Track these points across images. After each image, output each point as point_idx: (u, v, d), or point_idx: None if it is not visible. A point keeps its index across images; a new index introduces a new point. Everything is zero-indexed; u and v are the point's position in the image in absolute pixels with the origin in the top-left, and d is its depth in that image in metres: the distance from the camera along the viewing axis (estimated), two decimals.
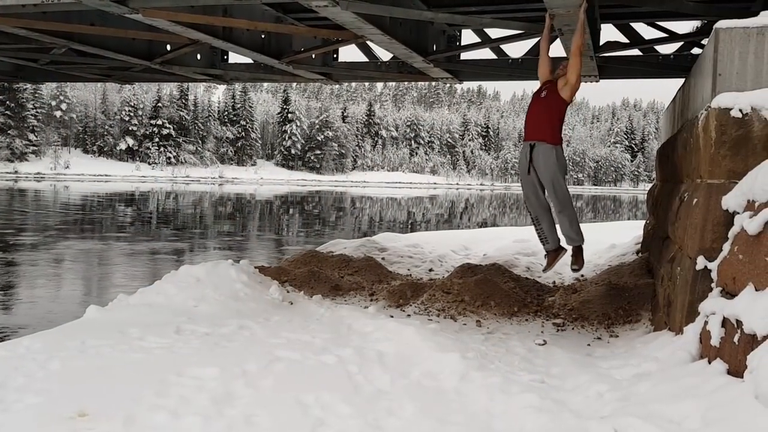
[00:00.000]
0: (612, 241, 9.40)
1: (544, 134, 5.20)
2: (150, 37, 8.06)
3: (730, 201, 3.33)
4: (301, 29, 7.41)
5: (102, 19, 7.89)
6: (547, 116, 5.23)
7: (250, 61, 9.47)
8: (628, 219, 31.05)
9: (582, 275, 7.61)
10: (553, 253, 5.54)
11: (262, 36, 8.32)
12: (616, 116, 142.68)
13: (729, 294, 3.09)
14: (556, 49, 6.45)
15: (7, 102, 70.78)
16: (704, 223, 3.54)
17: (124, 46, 8.98)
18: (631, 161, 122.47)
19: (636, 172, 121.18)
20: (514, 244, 9.99)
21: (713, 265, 3.34)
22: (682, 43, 8.04)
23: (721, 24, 3.71)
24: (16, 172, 66.77)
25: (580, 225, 5.46)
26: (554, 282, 7.48)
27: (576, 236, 5.41)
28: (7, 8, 6.11)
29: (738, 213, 3.24)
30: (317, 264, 8.09)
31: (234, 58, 9.90)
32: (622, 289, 5.88)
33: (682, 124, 5.19)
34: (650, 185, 9.25)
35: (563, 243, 5.55)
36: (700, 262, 3.47)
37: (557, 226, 5.54)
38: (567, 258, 5.57)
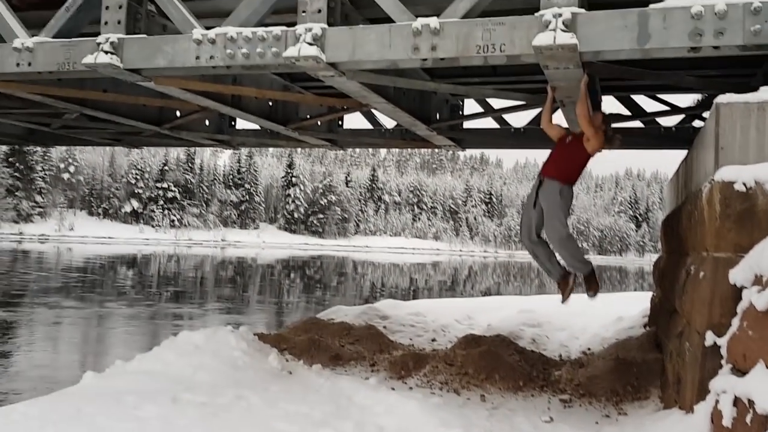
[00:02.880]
0: (619, 313, 9.27)
1: (555, 172, 5.34)
2: (161, 103, 8.23)
3: (738, 275, 3.28)
4: (308, 97, 7.56)
5: (115, 85, 8.06)
6: (565, 159, 5.39)
7: (257, 127, 9.63)
8: (635, 290, 30.76)
9: (589, 348, 7.47)
10: (562, 282, 5.55)
11: (270, 103, 8.50)
12: (620, 185, 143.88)
13: (740, 371, 3.01)
14: (558, 119, 6.55)
15: (17, 164, 71.80)
16: (712, 297, 3.49)
17: (135, 112, 9.16)
18: (636, 231, 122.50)
19: (641, 242, 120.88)
20: (518, 314, 9.86)
21: (722, 341, 3.27)
22: (683, 116, 8.17)
23: (722, 99, 3.76)
24: (20, 233, 67.02)
25: (581, 251, 5.48)
26: (560, 355, 7.33)
27: (581, 265, 5.45)
28: (24, 75, 6.28)
29: (746, 287, 3.19)
30: (317, 331, 7.97)
31: (241, 123, 10.08)
32: (631, 364, 5.75)
33: (686, 196, 5.19)
34: (656, 256, 9.20)
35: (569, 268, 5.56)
36: (709, 337, 3.40)
37: (558, 258, 5.55)
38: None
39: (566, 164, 5.41)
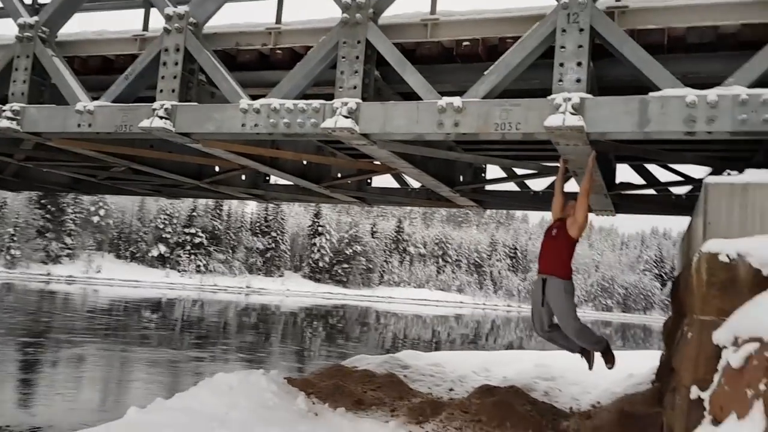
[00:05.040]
0: (632, 369, 9.55)
1: (555, 269, 5.80)
2: (203, 161, 8.88)
3: (720, 336, 3.69)
4: (341, 161, 8.16)
5: (161, 143, 8.75)
6: (557, 252, 5.86)
7: (290, 182, 10.25)
8: (658, 348, 30.44)
9: (598, 402, 7.78)
10: (585, 355, 6.11)
11: (304, 163, 9.12)
12: (645, 244, 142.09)
13: (717, 422, 3.39)
14: (572, 185, 7.04)
15: (48, 206, 73.63)
16: (697, 355, 3.89)
17: (177, 167, 9.82)
18: (661, 290, 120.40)
19: (666, 301, 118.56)
20: (534, 368, 10.16)
21: (705, 395, 3.65)
22: (693, 186, 8.59)
23: (710, 179, 4.24)
24: (48, 274, 68.28)
25: (595, 333, 5.99)
26: (571, 407, 7.65)
27: (597, 345, 5.97)
28: (83, 134, 6.96)
29: (726, 347, 3.60)
30: (342, 378, 8.39)
31: (275, 178, 10.72)
32: (634, 417, 6.08)
33: (686, 262, 5.61)
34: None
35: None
36: (694, 391, 3.79)
37: None
38: None
39: (559, 257, 5.88)
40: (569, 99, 4.84)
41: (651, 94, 4.76)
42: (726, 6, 4.98)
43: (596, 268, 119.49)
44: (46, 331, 19.36)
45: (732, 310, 3.75)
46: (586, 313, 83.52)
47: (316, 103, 5.76)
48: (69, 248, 75.93)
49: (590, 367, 6.14)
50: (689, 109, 4.60)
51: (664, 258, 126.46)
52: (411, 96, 5.64)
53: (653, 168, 8.67)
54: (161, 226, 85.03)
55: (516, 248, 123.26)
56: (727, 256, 3.91)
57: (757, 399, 3.01)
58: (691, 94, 4.61)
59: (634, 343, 40.79)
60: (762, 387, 3.05)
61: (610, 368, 6.06)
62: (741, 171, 4.55)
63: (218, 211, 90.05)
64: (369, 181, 9.96)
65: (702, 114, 4.57)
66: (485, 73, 5.29)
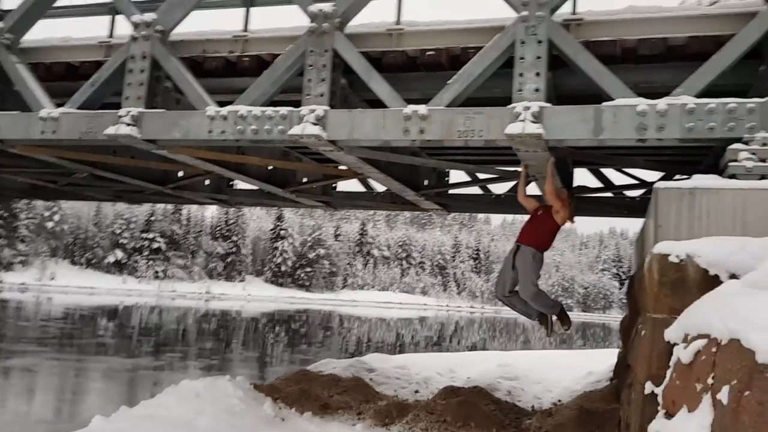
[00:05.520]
0: (591, 367, 9.86)
1: (530, 239, 6.15)
2: (166, 167, 8.86)
3: (671, 334, 3.91)
4: (307, 166, 8.24)
5: (124, 149, 8.69)
6: (537, 226, 6.23)
7: (254, 186, 10.26)
8: (616, 347, 31.18)
9: (559, 400, 8.02)
10: (542, 320, 6.35)
11: (269, 168, 9.16)
12: (604, 244, 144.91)
13: (670, 415, 3.60)
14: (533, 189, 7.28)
15: (0, 211, 71.29)
16: (651, 352, 4.11)
17: (140, 173, 9.75)
18: (619, 289, 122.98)
19: (624, 300, 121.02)
20: (497, 368, 10.38)
21: (659, 390, 3.86)
22: (646, 189, 8.93)
23: (660, 184, 4.47)
24: (0, 281, 66.14)
25: (550, 297, 6.31)
26: (533, 406, 7.87)
27: (552, 309, 6.28)
28: (47, 141, 6.91)
29: (677, 344, 3.81)
30: (308, 383, 8.46)
31: (240, 183, 10.71)
32: (593, 413, 6.32)
33: (640, 262, 5.87)
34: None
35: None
36: (648, 387, 4.00)
37: None
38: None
39: (539, 234, 6.27)
40: (528, 108, 5.05)
41: (605, 103, 4.99)
42: (674, 19, 5.25)
43: (557, 269, 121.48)
44: None
45: (682, 309, 3.96)
46: None
47: (283, 110, 5.85)
48: (22, 255, 73.61)
49: (548, 333, 6.41)
50: (640, 118, 4.85)
51: (621, 257, 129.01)
52: (377, 103, 5.78)
53: (609, 172, 8.99)
54: (118, 231, 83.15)
55: (479, 250, 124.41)
56: (677, 256, 4.14)
57: (706, 392, 3.21)
58: (642, 103, 4.86)
59: (594, 342, 41.61)
60: (710, 381, 3.26)
61: (566, 330, 6.36)
62: (690, 176, 4.81)
63: (177, 215, 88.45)
64: (334, 185, 10.06)
65: (652, 122, 4.83)
66: (449, 82, 5.46)
